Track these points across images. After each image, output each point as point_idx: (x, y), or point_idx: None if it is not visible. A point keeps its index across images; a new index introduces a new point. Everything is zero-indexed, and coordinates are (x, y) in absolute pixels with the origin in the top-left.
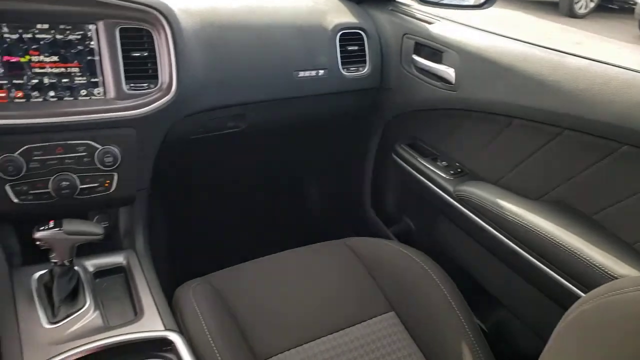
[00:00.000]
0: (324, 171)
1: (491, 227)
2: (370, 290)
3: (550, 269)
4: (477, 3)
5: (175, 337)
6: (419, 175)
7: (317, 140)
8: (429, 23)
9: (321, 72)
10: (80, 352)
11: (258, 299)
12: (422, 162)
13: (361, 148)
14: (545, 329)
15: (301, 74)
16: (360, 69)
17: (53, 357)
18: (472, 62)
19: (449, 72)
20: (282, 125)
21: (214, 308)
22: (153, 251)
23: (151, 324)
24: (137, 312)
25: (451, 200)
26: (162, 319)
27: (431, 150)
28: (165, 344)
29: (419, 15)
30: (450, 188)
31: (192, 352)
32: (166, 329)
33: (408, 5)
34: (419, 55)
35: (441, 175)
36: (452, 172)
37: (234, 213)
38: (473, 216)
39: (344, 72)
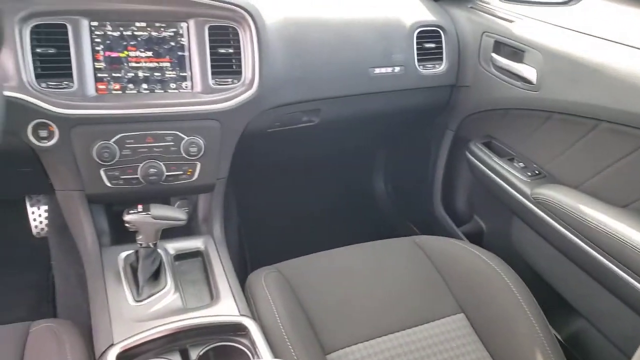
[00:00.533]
0: (394, 166)
1: (572, 233)
2: (439, 290)
3: (636, 281)
4: (562, 0)
5: (249, 323)
6: (493, 175)
7: (388, 136)
8: (510, 21)
9: (397, 69)
10: (162, 330)
11: (326, 291)
12: (498, 162)
13: (433, 145)
14: (629, 344)
15: (377, 70)
16: (437, 66)
17: (138, 333)
18: (556, 62)
19: (530, 71)
20: (355, 120)
21: (285, 297)
22: (225, 237)
23: (226, 309)
24: (213, 296)
25: (528, 203)
26: (237, 305)
27: (507, 151)
28: (239, 329)
29: (499, 13)
30: (527, 190)
31: (264, 338)
32: (241, 315)
33: (488, 3)
34: (498, 53)
35: (518, 177)
36: (529, 174)
37: (302, 204)
38: (552, 221)
39: (420, 69)
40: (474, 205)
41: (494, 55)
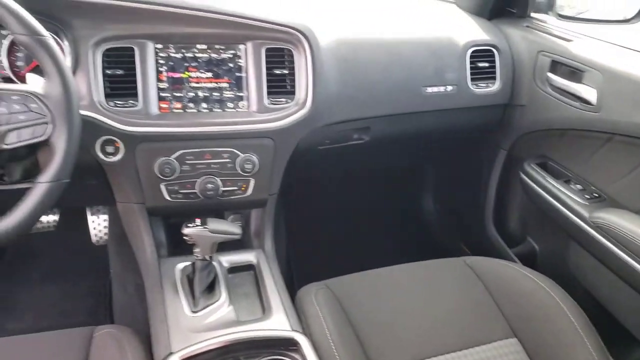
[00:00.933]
0: (444, 184)
1: (635, 260)
2: (491, 313)
3: None
4: (624, 18)
5: (301, 339)
6: (549, 197)
7: (439, 154)
8: (568, 40)
9: (449, 88)
10: (218, 342)
11: (376, 310)
12: (554, 183)
13: (485, 164)
14: None
15: (429, 89)
16: (490, 85)
17: (195, 343)
18: (618, 82)
19: (590, 92)
20: (405, 138)
21: (334, 314)
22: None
23: (278, 324)
24: (265, 310)
25: (587, 227)
26: (288, 320)
27: (564, 172)
28: (291, 344)
29: (556, 32)
30: (585, 214)
31: (315, 354)
32: (292, 330)
33: (544, 22)
34: (555, 73)
35: (575, 200)
36: (587, 197)
37: (350, 220)
38: (612, 247)
39: (473, 88)
40: (527, 226)
41: (550, 75)
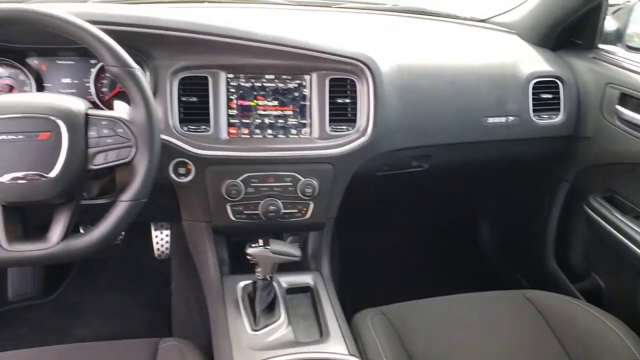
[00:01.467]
0: (502, 215)
1: None
2: (553, 352)
3: None
4: None
5: None
6: (616, 233)
7: (498, 183)
8: (639, 73)
9: (511, 118)
10: None
11: (432, 340)
12: (622, 219)
13: (547, 195)
14: None
15: (490, 120)
16: (553, 116)
17: None
18: None
19: None
20: (465, 166)
21: (391, 340)
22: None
23: (336, 347)
24: (322, 333)
25: None
26: (346, 344)
27: (633, 207)
28: None
29: (626, 65)
30: None
31: None
32: (350, 354)
33: (613, 53)
34: (625, 106)
35: None
36: None
37: (405, 247)
38: None
39: (535, 120)
40: (592, 261)
41: (619, 107)
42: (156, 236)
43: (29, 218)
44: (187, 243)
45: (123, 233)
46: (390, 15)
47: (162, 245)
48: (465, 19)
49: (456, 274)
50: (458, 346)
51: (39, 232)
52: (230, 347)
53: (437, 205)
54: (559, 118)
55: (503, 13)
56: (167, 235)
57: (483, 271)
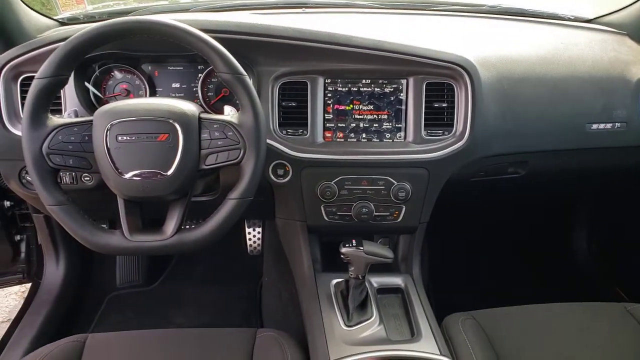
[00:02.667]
0: (601, 223)
1: None
2: None
3: None
4: None
5: None
6: None
7: (599, 191)
8: None
9: (617, 124)
10: (371, 357)
11: (524, 346)
12: None
13: None
14: None
15: (594, 126)
16: None
17: (350, 355)
18: None
19: None
20: (564, 174)
21: (481, 344)
22: None
23: (427, 346)
24: (413, 332)
25: None
26: (437, 344)
27: None
28: None
29: None
30: None
31: None
32: (441, 354)
33: None
34: None
35: None
36: None
37: (494, 253)
38: None
39: None
40: None
41: None
42: (249, 233)
43: (145, 213)
44: (279, 240)
45: None
46: (488, 18)
47: (254, 242)
48: (570, 19)
49: (548, 283)
50: (551, 355)
51: (154, 226)
52: (326, 340)
53: (532, 211)
54: None
55: (612, 13)
56: (258, 233)
57: (577, 281)
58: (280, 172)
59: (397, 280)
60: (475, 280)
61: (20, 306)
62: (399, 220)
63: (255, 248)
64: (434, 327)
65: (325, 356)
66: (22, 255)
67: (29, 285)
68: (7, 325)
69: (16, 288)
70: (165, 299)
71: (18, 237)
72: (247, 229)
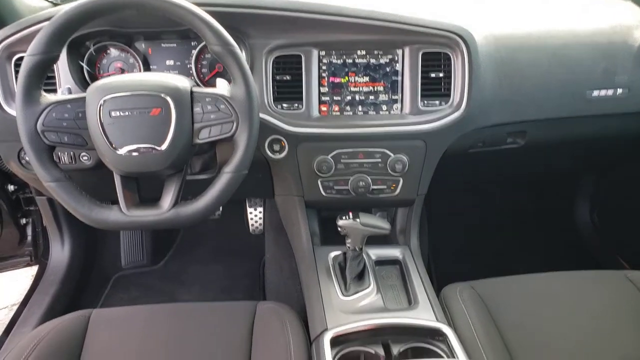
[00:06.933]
0: (603, 194)
1: None
2: None
3: None
4: None
5: (447, 330)
6: None
7: (601, 161)
8: None
9: (620, 90)
10: (369, 324)
11: (523, 314)
12: None
13: None
14: None
15: (595, 93)
16: None
17: (348, 323)
18: None
19: None
20: (564, 143)
21: (480, 312)
22: None
23: (424, 314)
24: (411, 302)
25: None
26: (434, 312)
27: None
28: (437, 334)
29: None
30: None
31: (461, 346)
32: (438, 321)
33: None
34: None
35: None
36: None
37: (497, 225)
38: None
39: None
40: None
41: None
42: (250, 212)
43: (141, 189)
44: (280, 218)
45: (221, 209)
46: None
47: (256, 222)
48: None
49: (550, 253)
50: (550, 322)
51: (151, 201)
52: (323, 309)
53: (532, 183)
54: None
55: None
56: (260, 212)
57: (579, 252)
58: (276, 147)
59: (395, 252)
60: (476, 253)
61: (28, 287)
62: (397, 193)
63: (257, 227)
64: (432, 297)
65: (322, 324)
66: (29, 238)
67: (36, 268)
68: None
69: (24, 272)
70: (170, 277)
71: (24, 221)
72: (248, 208)
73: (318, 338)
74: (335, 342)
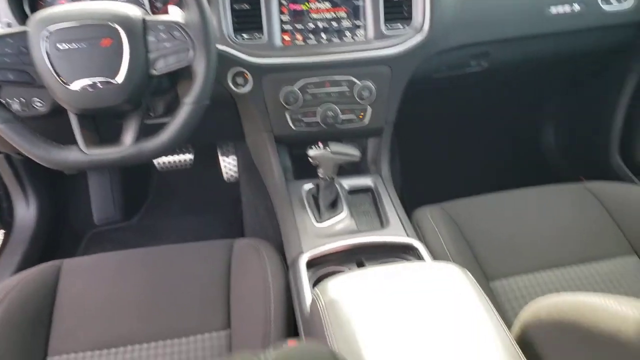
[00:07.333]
0: (566, 116)
1: None
2: (610, 231)
3: None
4: None
5: (418, 244)
6: None
7: (562, 82)
8: None
9: (576, 6)
10: (343, 245)
11: (491, 228)
12: None
13: (613, 89)
14: None
15: (553, 9)
16: (623, 1)
17: (322, 245)
18: None
19: None
20: (527, 64)
21: (450, 229)
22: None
23: (396, 233)
24: (383, 223)
25: None
26: (405, 230)
27: None
28: (409, 249)
29: None
30: None
31: (432, 259)
32: (409, 237)
33: None
34: None
35: None
36: None
37: (467, 151)
38: None
39: (603, 7)
40: None
41: None
42: (223, 160)
43: (100, 127)
44: (253, 161)
45: (192, 158)
46: None
47: (230, 169)
48: None
49: (517, 176)
50: (516, 232)
51: (112, 140)
52: (298, 236)
53: (500, 110)
54: (629, 4)
55: None
56: (233, 159)
57: (545, 173)
58: (240, 80)
59: (367, 181)
60: (446, 179)
61: None
62: (366, 122)
63: (231, 175)
64: (403, 218)
65: (298, 249)
66: None
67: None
68: None
69: None
70: (145, 232)
71: None
72: (221, 157)
73: (294, 262)
74: (311, 264)
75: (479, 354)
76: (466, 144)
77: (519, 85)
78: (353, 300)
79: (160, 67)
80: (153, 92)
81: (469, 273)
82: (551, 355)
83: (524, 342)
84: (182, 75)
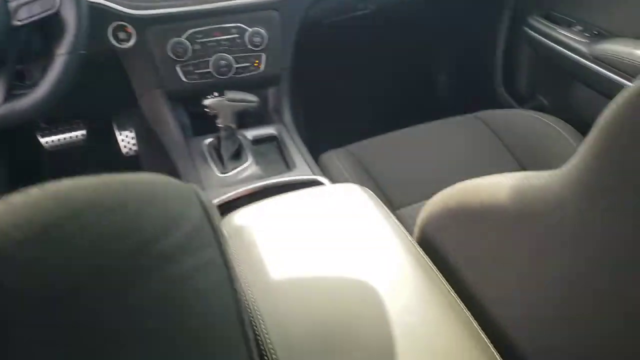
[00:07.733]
0: (455, 58)
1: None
2: (500, 153)
3: None
4: None
5: (324, 180)
6: (552, 44)
7: (444, 16)
8: None
9: None
10: (248, 189)
11: (394, 164)
12: (557, 29)
13: (490, 22)
14: None
15: None
16: None
17: (228, 193)
18: None
19: None
20: (409, 5)
21: (355, 167)
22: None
23: (302, 173)
24: (289, 166)
25: (588, 62)
26: (311, 170)
27: (567, 19)
28: (315, 184)
29: None
30: (586, 50)
31: None
32: (315, 174)
33: None
34: None
35: (576, 39)
36: (587, 35)
37: (362, 91)
38: (612, 75)
39: None
40: (536, 84)
41: None
42: (120, 134)
43: None
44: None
45: (85, 133)
46: None
47: (127, 143)
48: None
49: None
50: (417, 164)
51: None
52: (203, 188)
53: (391, 43)
54: None
55: None
56: (131, 131)
57: (439, 103)
58: (122, 35)
59: (270, 130)
60: (350, 122)
61: None
62: (261, 69)
63: (130, 149)
64: (309, 160)
65: None
66: None
67: None
68: None
69: None
70: None
71: None
72: (117, 131)
73: None
74: (221, 214)
75: (379, 255)
76: (366, 88)
77: (408, 27)
78: (257, 226)
79: (24, 16)
80: (25, 53)
81: (369, 191)
82: (446, 244)
83: (423, 240)
84: (55, 31)
